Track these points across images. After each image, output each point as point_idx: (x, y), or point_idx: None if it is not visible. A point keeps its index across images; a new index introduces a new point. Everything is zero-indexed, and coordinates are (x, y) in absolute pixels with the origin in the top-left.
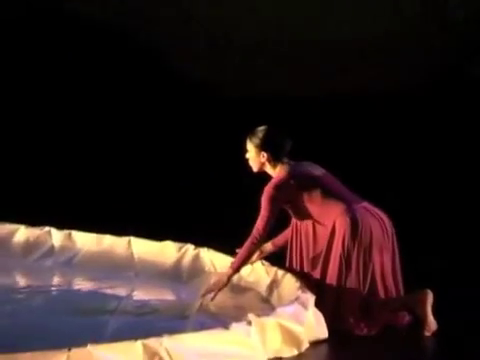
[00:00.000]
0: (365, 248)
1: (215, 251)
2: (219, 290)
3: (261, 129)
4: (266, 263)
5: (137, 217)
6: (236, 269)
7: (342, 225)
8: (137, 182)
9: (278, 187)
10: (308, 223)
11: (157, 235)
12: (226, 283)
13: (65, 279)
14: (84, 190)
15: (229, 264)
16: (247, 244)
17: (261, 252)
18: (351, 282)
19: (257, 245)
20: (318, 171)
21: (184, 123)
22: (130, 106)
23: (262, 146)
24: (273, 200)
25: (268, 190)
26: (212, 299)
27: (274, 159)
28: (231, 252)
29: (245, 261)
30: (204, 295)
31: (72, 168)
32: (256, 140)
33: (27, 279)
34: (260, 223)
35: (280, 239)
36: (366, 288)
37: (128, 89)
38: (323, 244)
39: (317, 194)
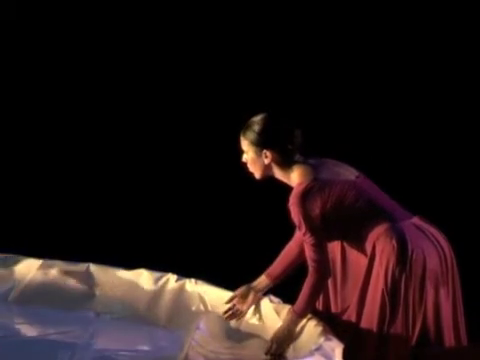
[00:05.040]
0: (416, 281)
1: (206, 283)
2: (286, 347)
3: (258, 119)
4: (276, 299)
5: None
6: (303, 314)
7: (385, 249)
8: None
9: (306, 197)
10: (335, 246)
11: (126, 260)
12: (293, 334)
13: None
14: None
15: (225, 301)
16: (311, 280)
17: (256, 291)
18: (397, 327)
19: (326, 278)
20: (350, 173)
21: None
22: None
23: (264, 142)
24: (309, 215)
25: (295, 204)
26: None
27: (284, 159)
28: (230, 282)
29: (313, 302)
30: (269, 354)
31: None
32: (252, 135)
33: None
34: (311, 250)
35: (278, 266)
36: (416, 335)
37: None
38: (358, 275)
39: (353, 207)
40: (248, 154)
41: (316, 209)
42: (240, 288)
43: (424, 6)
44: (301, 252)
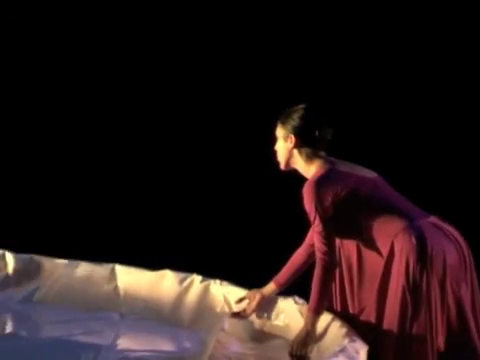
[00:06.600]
0: (437, 278)
1: (231, 284)
2: (307, 347)
3: (297, 107)
4: (300, 300)
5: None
6: (318, 310)
7: (404, 246)
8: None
9: (320, 183)
10: (351, 245)
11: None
12: (312, 334)
13: (23, 322)
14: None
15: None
16: (318, 273)
17: (261, 296)
18: (420, 326)
19: (332, 269)
20: (368, 173)
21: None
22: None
23: (291, 126)
24: (321, 202)
25: (309, 191)
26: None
27: (306, 148)
28: (255, 283)
29: (325, 296)
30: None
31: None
32: (284, 118)
33: None
34: (319, 241)
35: (285, 273)
36: (440, 334)
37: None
38: (375, 274)
39: (369, 203)
40: (278, 140)
41: (329, 197)
42: (250, 291)
43: (431, 8)
44: (308, 258)
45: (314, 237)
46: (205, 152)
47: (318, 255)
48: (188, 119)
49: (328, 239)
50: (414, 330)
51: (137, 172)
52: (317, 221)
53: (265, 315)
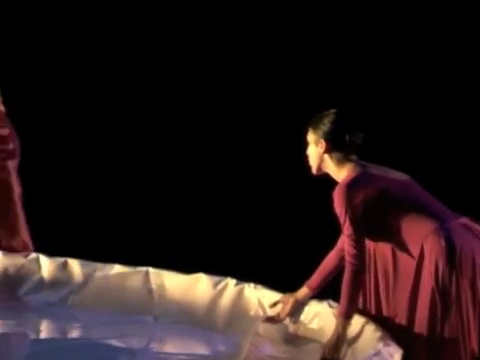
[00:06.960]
0: (467, 280)
1: (265, 287)
2: (339, 352)
3: (328, 113)
4: (335, 304)
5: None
6: (348, 314)
7: (434, 248)
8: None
9: (350, 186)
10: (385, 248)
11: (183, 264)
12: (343, 338)
13: (57, 326)
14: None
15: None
16: (347, 277)
17: (295, 300)
18: (451, 328)
19: (361, 273)
20: (400, 175)
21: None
22: None
23: (322, 131)
24: (352, 205)
25: (339, 194)
26: None
27: (337, 152)
28: (289, 287)
29: (354, 300)
30: None
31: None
32: (314, 123)
33: (3, 327)
34: (348, 244)
35: (317, 277)
36: (473, 336)
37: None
38: (407, 277)
39: (399, 204)
40: (311, 146)
41: (359, 200)
42: (283, 295)
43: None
44: (340, 262)
45: (344, 241)
46: (241, 156)
47: (347, 259)
48: (221, 125)
49: (358, 242)
50: (445, 332)
51: (172, 177)
52: (347, 224)
53: (299, 319)
